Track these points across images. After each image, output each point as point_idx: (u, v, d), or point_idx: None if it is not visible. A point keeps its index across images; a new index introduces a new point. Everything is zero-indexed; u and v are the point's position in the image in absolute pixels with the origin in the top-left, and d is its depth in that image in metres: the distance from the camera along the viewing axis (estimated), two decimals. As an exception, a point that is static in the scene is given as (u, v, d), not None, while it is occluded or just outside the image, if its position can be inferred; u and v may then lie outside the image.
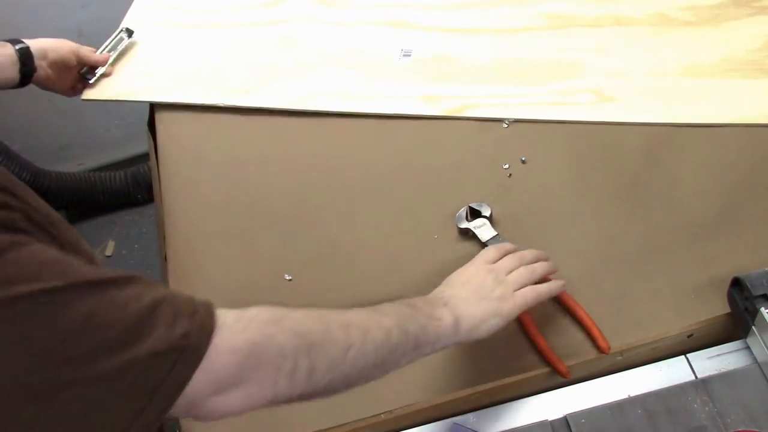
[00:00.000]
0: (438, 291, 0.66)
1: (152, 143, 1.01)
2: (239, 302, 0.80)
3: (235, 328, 0.48)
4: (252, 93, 1.03)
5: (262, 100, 1.01)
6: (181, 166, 0.95)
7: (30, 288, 0.40)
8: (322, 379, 0.52)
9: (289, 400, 0.52)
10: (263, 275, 0.83)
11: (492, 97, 0.97)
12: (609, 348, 0.72)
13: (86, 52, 1.06)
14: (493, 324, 0.65)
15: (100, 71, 1.07)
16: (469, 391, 0.72)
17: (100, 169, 1.87)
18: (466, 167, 0.90)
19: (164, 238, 0.90)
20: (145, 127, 1.06)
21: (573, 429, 0.69)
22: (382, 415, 0.71)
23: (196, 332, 0.46)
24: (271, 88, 1.03)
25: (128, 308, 0.43)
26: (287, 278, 0.82)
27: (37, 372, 0.39)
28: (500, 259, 0.71)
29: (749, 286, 0.70)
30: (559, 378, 0.72)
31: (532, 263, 0.71)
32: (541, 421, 0.70)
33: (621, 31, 1.03)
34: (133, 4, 1.22)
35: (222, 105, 1.02)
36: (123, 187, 1.83)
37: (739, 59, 0.96)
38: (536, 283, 0.70)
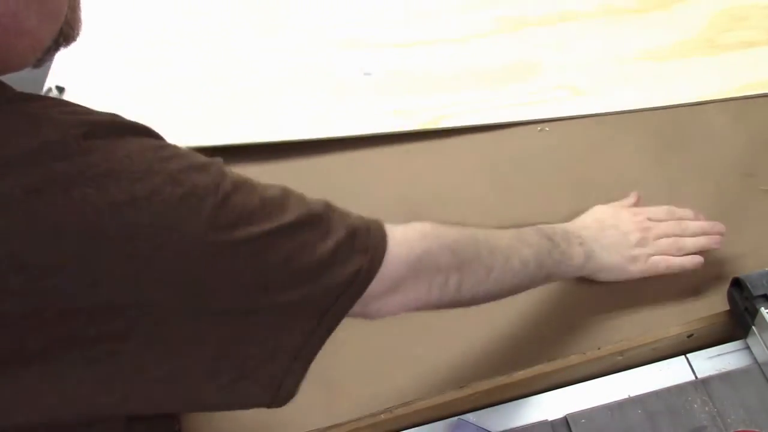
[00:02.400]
0: (579, 225, 0.71)
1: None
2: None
3: (402, 243, 0.55)
4: (227, 126, 0.95)
5: (237, 135, 0.93)
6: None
7: (248, 232, 0.46)
8: (467, 293, 0.60)
9: (438, 306, 0.60)
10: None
11: (465, 104, 0.95)
12: None
13: None
14: (615, 277, 0.72)
15: None
16: (469, 390, 0.72)
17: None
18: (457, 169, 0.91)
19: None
20: (145, 127, 1.06)
21: (573, 429, 0.68)
22: (382, 415, 0.71)
23: (372, 251, 0.52)
24: (239, 123, 0.95)
25: (316, 249, 0.49)
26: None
27: (237, 298, 0.46)
28: (662, 221, 0.74)
29: (749, 286, 0.70)
30: (559, 378, 0.72)
31: (693, 236, 0.74)
32: (541, 421, 0.70)
33: (572, 26, 1.05)
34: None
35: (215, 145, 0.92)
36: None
37: (692, 39, 1.01)
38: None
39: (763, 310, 0.69)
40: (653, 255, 0.72)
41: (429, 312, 0.76)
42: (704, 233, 0.75)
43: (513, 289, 0.65)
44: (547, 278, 0.67)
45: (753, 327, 0.71)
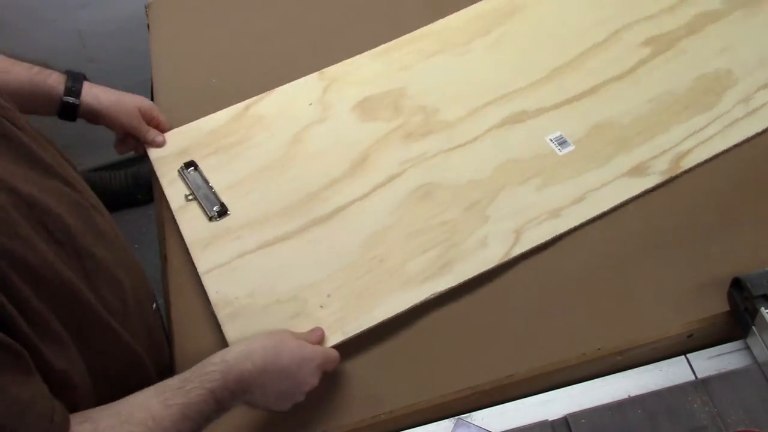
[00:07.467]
0: (252, 371, 0.63)
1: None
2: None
3: None
4: None
5: None
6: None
7: None
8: None
9: None
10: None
11: (688, 138, 0.88)
12: None
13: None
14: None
15: None
16: (469, 390, 0.72)
17: (100, 169, 1.87)
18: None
19: (164, 238, 0.90)
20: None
21: (573, 429, 0.69)
22: (382, 415, 0.71)
23: None
24: None
25: None
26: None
27: None
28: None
29: (749, 286, 0.70)
30: (559, 378, 0.72)
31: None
32: (541, 421, 0.70)
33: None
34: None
35: None
36: (123, 187, 1.83)
37: None
38: None
39: (763, 310, 0.69)
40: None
41: (428, 312, 0.77)
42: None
43: None
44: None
45: (753, 327, 0.71)
